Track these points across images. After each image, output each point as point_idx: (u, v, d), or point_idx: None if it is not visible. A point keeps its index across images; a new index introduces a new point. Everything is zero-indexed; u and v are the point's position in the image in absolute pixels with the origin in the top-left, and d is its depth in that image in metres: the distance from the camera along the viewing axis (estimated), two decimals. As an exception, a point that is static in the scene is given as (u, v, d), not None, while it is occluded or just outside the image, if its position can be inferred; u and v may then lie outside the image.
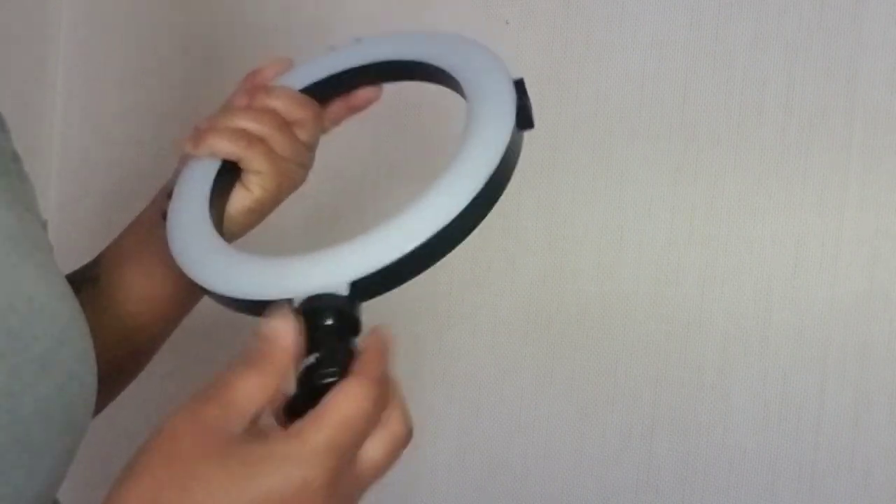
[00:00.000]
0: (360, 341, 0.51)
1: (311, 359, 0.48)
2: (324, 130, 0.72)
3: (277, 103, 0.67)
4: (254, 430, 0.43)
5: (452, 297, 1.04)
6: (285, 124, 0.67)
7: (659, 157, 0.96)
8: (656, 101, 0.96)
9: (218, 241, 0.61)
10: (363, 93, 0.70)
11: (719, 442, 0.94)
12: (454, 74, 0.63)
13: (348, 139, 1.09)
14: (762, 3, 0.92)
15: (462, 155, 0.57)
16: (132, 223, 0.74)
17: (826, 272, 0.90)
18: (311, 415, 0.44)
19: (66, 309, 0.57)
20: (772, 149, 0.92)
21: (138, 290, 0.70)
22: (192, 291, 0.68)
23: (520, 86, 0.61)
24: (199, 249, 0.61)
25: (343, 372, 0.47)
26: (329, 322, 0.51)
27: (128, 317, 0.72)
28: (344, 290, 0.53)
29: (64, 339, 0.56)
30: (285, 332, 0.46)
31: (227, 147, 0.66)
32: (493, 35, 1.03)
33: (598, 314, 0.99)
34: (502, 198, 1.02)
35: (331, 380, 0.46)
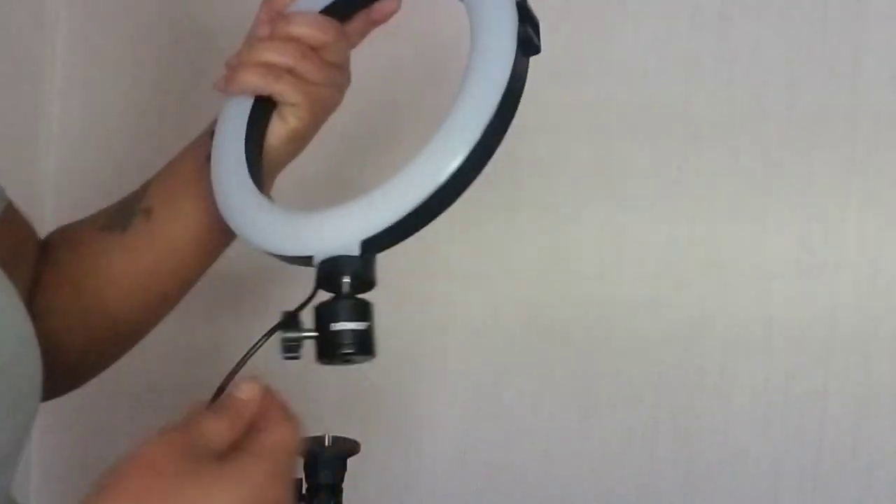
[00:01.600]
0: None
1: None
2: (352, 46, 0.72)
3: (299, 30, 0.67)
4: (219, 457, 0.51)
5: (452, 298, 1.04)
6: (310, 51, 0.67)
7: (660, 157, 0.96)
8: (658, 101, 0.96)
9: (252, 194, 0.64)
10: (382, 5, 0.71)
11: (721, 444, 0.93)
12: None
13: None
14: (765, 2, 0.92)
15: (461, 99, 0.57)
16: (182, 156, 0.75)
17: (829, 272, 0.90)
18: (267, 443, 0.52)
19: (2, 295, 0.58)
20: (774, 148, 0.91)
21: (194, 223, 0.72)
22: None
23: (523, 9, 0.58)
24: (236, 201, 0.64)
25: (370, 322, 0.57)
26: (346, 281, 0.57)
27: (181, 249, 0.73)
28: (356, 250, 0.57)
29: (5, 322, 0.57)
30: (253, 397, 0.54)
31: (256, 83, 0.67)
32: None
33: (598, 315, 0.98)
34: (502, 197, 1.02)
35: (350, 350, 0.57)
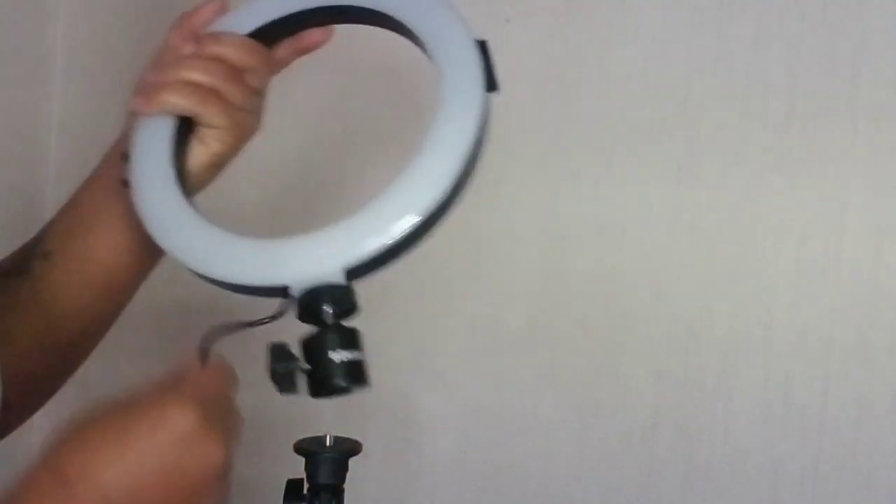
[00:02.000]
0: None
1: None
2: (273, 73, 0.69)
3: (227, 51, 0.64)
4: None
5: (453, 297, 1.04)
6: (237, 73, 0.64)
7: (660, 156, 0.96)
8: (657, 100, 0.96)
9: (200, 221, 0.60)
10: (313, 35, 0.68)
11: (721, 443, 0.93)
12: (415, 31, 0.62)
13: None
14: (764, 2, 0.92)
15: (437, 133, 0.57)
16: (82, 190, 0.71)
17: (829, 272, 0.90)
18: (181, 376, 0.51)
19: None
20: (774, 148, 0.91)
21: (99, 260, 0.68)
22: (153, 260, 0.68)
23: (483, 49, 0.61)
24: (182, 231, 0.60)
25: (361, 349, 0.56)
26: (329, 310, 0.55)
27: (87, 289, 0.69)
28: (339, 278, 0.55)
29: None
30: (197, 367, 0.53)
31: (182, 103, 0.63)
32: (493, 33, 1.03)
33: (598, 314, 0.98)
34: (503, 198, 1.02)
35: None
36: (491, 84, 0.60)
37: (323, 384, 0.55)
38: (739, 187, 0.93)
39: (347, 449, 0.72)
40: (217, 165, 0.68)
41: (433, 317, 1.04)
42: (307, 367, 0.55)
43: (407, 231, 0.56)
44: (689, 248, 0.95)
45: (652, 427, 0.96)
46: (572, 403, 0.99)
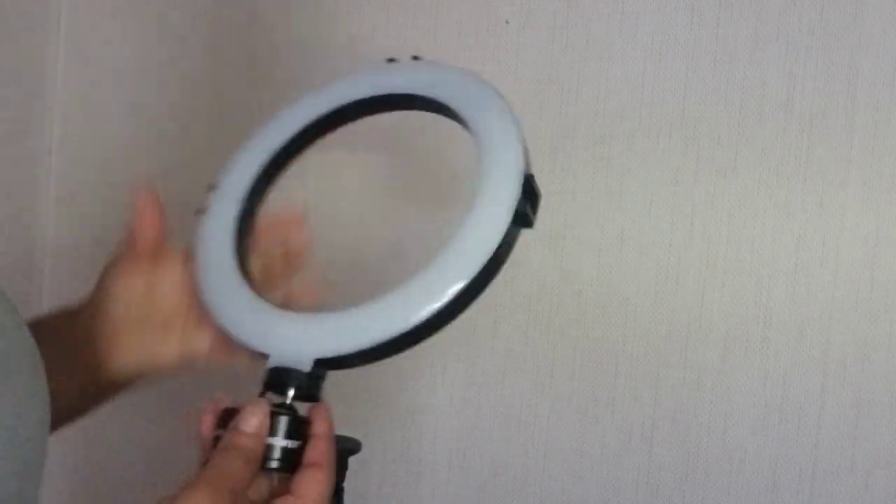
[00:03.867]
0: (313, 420, 0.58)
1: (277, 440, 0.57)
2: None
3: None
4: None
5: (452, 298, 1.04)
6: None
7: (659, 157, 0.96)
8: (656, 101, 0.96)
9: (236, 279, 0.63)
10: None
11: (719, 442, 0.93)
12: (475, 134, 0.62)
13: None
14: (762, 3, 0.92)
15: (450, 251, 0.57)
16: (54, 313, 0.73)
17: (827, 272, 0.90)
18: (299, 495, 0.56)
19: (22, 337, 0.58)
20: (772, 148, 0.92)
21: (72, 377, 0.69)
22: (97, 392, 0.70)
23: (527, 183, 0.59)
24: (217, 281, 0.64)
25: (302, 440, 0.57)
26: (291, 392, 0.58)
27: (66, 390, 0.68)
28: (307, 366, 0.58)
29: (35, 371, 0.56)
30: (262, 429, 0.56)
31: None
32: (492, 35, 1.03)
33: (598, 314, 0.98)
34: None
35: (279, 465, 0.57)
36: (522, 221, 0.58)
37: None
38: (737, 187, 0.93)
39: (347, 448, 0.73)
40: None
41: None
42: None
43: (377, 343, 0.57)
44: (688, 247, 0.95)
45: (651, 426, 0.96)
46: (571, 403, 1.00)
